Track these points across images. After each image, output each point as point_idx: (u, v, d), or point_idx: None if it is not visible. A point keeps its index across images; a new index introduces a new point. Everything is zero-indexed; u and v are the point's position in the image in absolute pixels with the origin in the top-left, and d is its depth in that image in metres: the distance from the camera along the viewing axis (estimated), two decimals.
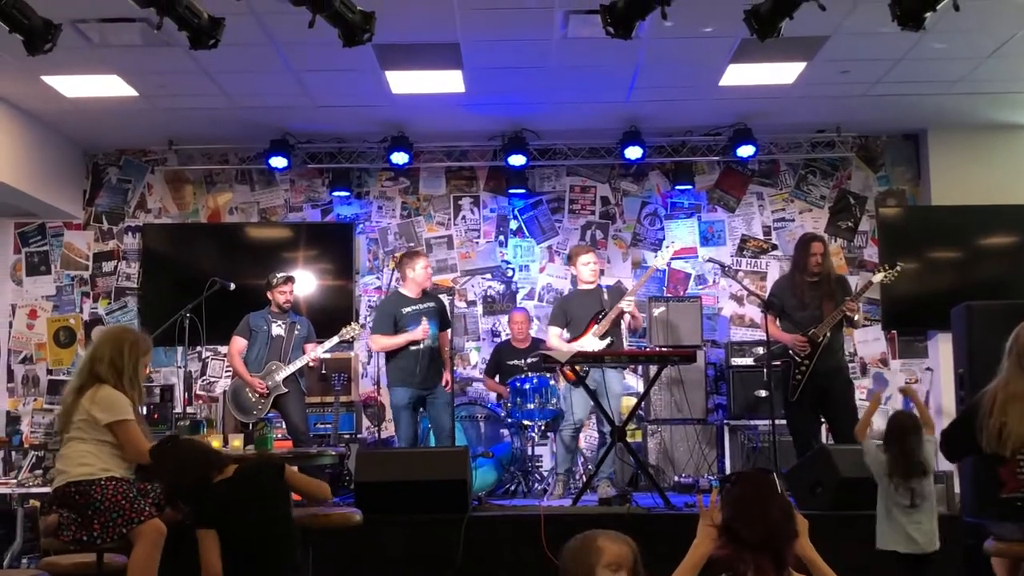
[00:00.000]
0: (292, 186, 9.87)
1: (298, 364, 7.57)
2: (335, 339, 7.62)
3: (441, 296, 7.97)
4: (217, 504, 3.93)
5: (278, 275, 7.80)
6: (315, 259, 9.56)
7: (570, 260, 7.84)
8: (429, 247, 9.73)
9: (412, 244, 9.72)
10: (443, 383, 7.64)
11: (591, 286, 7.59)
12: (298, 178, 9.85)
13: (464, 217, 9.81)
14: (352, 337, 7.75)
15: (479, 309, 9.71)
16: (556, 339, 7.54)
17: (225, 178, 9.89)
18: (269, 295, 7.74)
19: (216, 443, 5.28)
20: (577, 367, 6.97)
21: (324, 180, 9.82)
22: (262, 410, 7.50)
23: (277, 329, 7.68)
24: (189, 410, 8.53)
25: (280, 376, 7.53)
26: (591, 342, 7.28)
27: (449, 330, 7.81)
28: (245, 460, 4.11)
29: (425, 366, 7.50)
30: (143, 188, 9.86)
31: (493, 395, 8.90)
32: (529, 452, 7.94)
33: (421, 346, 7.51)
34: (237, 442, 5.54)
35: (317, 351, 7.68)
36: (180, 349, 8.24)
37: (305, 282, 9.26)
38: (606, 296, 7.49)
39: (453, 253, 9.76)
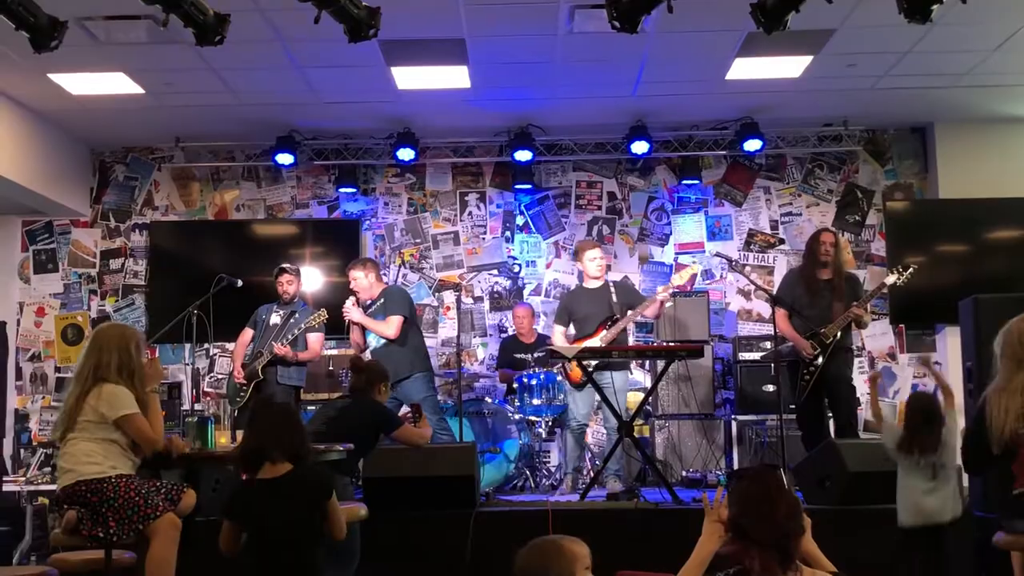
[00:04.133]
0: (299, 183, 9.88)
1: (274, 352, 7.44)
2: (302, 325, 7.49)
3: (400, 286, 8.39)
4: (251, 504, 3.94)
5: (276, 268, 7.85)
6: (321, 256, 9.57)
7: (576, 255, 7.78)
8: (436, 243, 9.74)
9: (419, 240, 9.74)
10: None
11: (598, 283, 7.57)
12: (304, 175, 9.86)
13: (470, 213, 9.81)
14: (318, 323, 7.53)
15: (485, 305, 9.71)
16: (560, 337, 7.53)
17: (232, 175, 9.90)
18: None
19: (224, 440, 5.29)
20: (582, 368, 6.94)
21: (330, 177, 9.82)
22: (244, 398, 7.46)
23: (275, 318, 7.67)
24: (197, 407, 8.54)
25: (258, 365, 7.48)
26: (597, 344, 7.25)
27: (393, 317, 7.58)
28: (299, 466, 4.06)
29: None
30: (150, 185, 9.87)
31: (501, 390, 8.88)
32: (536, 448, 7.94)
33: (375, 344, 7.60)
34: None
35: (281, 341, 7.50)
36: (188, 346, 8.27)
37: (311, 278, 9.28)
38: (615, 297, 7.45)
39: (459, 249, 9.76)
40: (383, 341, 7.55)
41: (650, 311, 7.50)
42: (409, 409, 6.07)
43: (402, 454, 5.94)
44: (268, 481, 3.94)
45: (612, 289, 7.53)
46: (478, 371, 9.48)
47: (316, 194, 9.88)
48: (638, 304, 7.52)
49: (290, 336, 7.44)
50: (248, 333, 7.76)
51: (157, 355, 9.28)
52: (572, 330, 7.61)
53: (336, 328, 8.01)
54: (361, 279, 7.70)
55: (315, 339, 7.65)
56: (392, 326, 7.50)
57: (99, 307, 9.73)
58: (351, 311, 7.61)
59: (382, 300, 7.68)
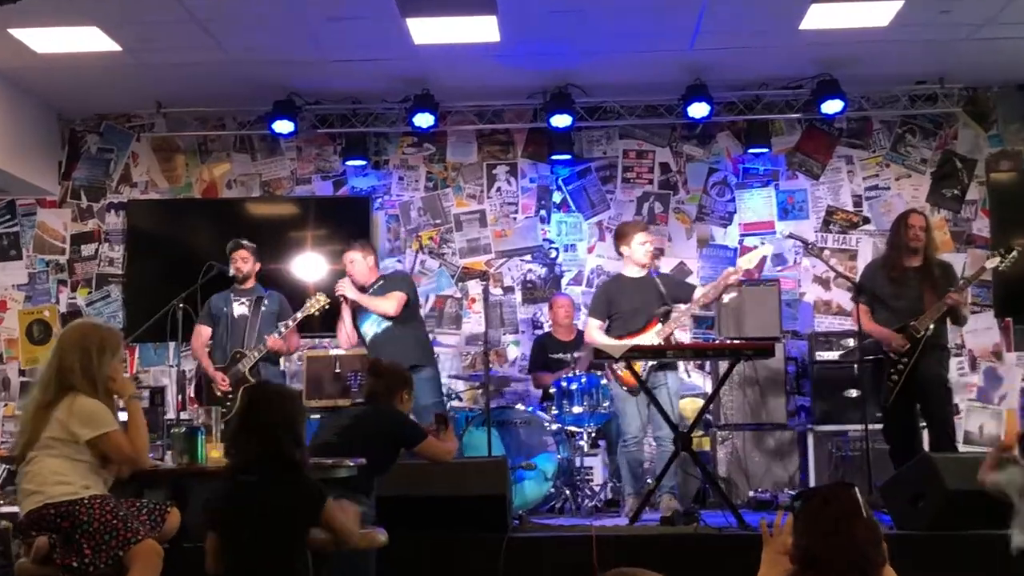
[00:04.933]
0: (299, 154, 9.93)
1: (263, 350, 7.51)
2: (299, 315, 7.54)
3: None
4: (237, 502, 4.00)
5: (231, 242, 7.89)
6: (326, 239, 9.58)
7: (621, 238, 7.60)
8: (459, 224, 9.75)
9: (439, 221, 9.75)
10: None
11: (642, 272, 7.48)
12: (306, 145, 9.90)
13: (499, 189, 9.82)
14: (317, 309, 7.62)
15: (517, 297, 9.71)
16: (597, 332, 7.45)
17: (222, 146, 9.96)
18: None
19: (216, 453, 5.30)
20: (631, 371, 6.91)
21: (336, 147, 9.86)
22: (232, 407, 7.43)
23: (239, 308, 7.69)
24: (183, 416, 8.56)
25: (244, 366, 7.50)
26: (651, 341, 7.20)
27: (395, 293, 7.64)
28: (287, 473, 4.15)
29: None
30: (127, 159, 9.94)
31: (535, 396, 8.87)
32: (578, 463, 7.92)
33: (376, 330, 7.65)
34: None
35: (276, 333, 7.58)
36: (172, 345, 8.26)
37: (315, 265, 9.29)
38: (663, 287, 7.39)
39: (486, 231, 9.78)
40: (384, 326, 7.59)
41: (708, 297, 7.39)
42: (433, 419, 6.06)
43: (423, 470, 5.95)
44: (246, 482, 4.00)
45: (658, 280, 7.45)
46: (509, 374, 9.49)
47: (320, 168, 9.91)
48: (687, 299, 7.43)
49: (283, 328, 7.49)
50: (205, 331, 7.81)
51: (137, 357, 9.36)
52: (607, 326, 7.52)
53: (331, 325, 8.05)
54: (359, 261, 7.77)
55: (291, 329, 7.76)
56: (393, 301, 7.56)
57: (69, 300, 9.82)
58: (345, 286, 7.64)
59: (381, 282, 7.78)
